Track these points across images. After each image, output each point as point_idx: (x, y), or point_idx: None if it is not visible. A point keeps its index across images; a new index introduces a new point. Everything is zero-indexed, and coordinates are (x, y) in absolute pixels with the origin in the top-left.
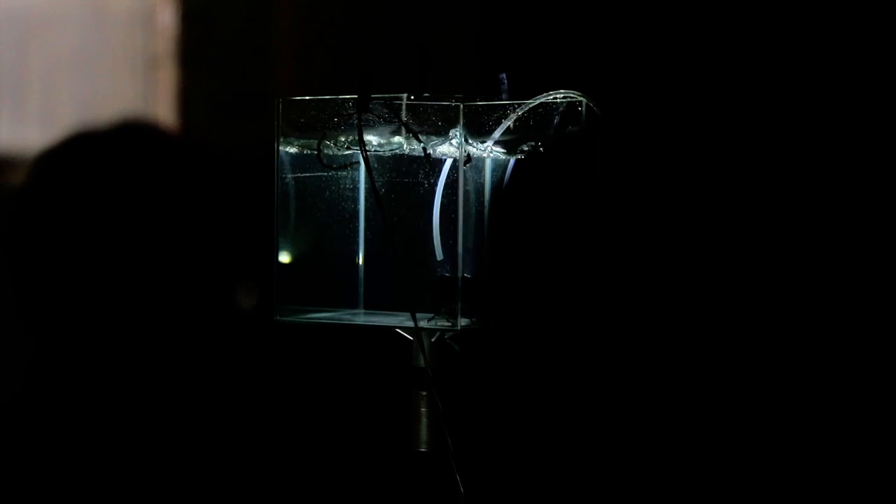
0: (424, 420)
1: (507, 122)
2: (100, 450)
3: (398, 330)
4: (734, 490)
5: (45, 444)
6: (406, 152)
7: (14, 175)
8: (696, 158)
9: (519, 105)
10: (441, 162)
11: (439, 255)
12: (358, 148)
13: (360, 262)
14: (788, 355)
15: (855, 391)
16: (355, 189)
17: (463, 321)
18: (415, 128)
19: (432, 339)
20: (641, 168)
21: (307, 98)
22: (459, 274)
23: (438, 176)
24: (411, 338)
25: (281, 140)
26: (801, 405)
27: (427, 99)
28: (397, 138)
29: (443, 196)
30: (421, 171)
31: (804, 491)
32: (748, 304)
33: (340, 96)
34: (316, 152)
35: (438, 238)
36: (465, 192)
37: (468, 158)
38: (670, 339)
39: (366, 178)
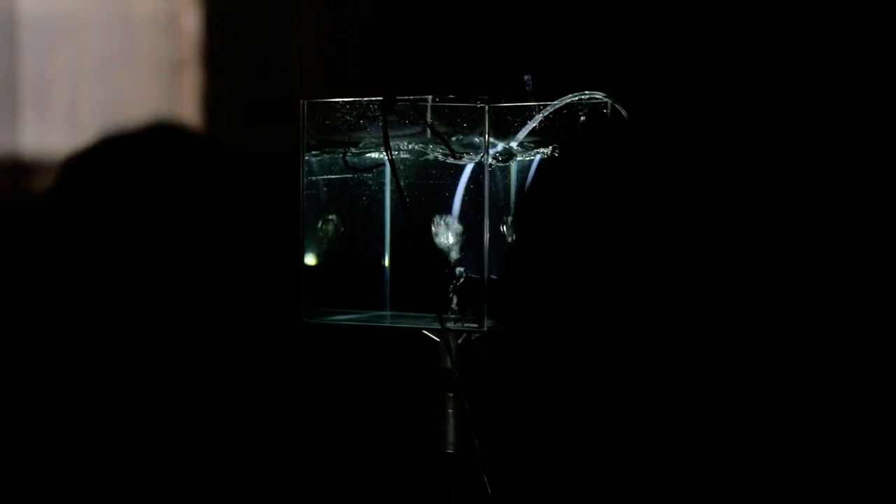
0: (451, 421)
1: (532, 124)
2: (124, 452)
3: (425, 331)
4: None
5: (76, 449)
6: (431, 155)
7: (39, 180)
8: (723, 160)
9: (544, 106)
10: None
11: (455, 255)
12: (383, 150)
13: (386, 263)
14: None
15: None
16: (381, 191)
17: (489, 322)
18: (440, 129)
19: (459, 341)
20: (667, 169)
21: (332, 100)
22: (485, 275)
23: (460, 178)
24: (438, 339)
25: (306, 143)
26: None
27: (452, 101)
28: (422, 142)
29: (464, 196)
30: (446, 174)
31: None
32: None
33: (365, 98)
34: (341, 155)
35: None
36: (492, 194)
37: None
38: (698, 340)
39: (391, 180)
